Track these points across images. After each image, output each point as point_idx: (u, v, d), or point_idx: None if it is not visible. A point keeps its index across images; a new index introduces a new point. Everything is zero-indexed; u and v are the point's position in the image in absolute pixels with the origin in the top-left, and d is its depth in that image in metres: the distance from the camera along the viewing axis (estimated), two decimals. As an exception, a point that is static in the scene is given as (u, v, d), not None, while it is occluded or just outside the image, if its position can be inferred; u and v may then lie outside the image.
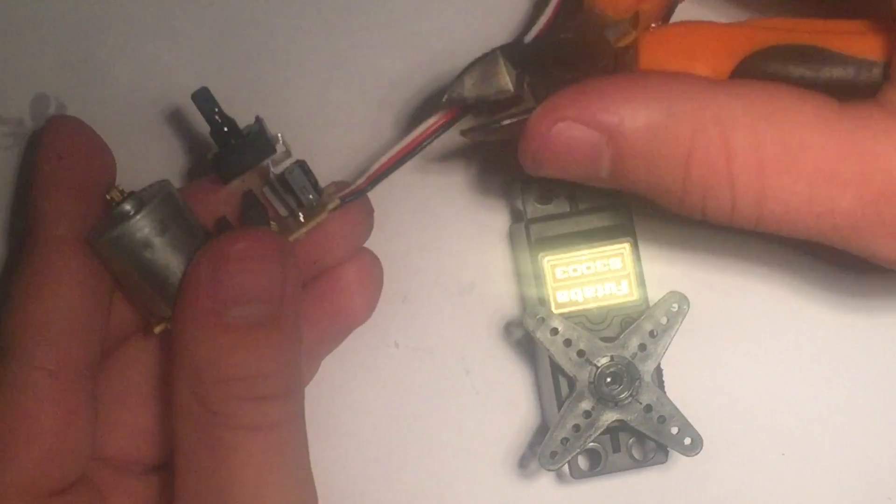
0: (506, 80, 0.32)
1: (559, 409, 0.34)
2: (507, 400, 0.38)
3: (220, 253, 0.31)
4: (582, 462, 0.36)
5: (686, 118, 0.29)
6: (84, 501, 0.32)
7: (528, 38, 0.32)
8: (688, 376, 0.36)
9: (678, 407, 0.34)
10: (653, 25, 0.32)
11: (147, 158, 0.38)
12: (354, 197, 0.34)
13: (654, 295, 0.35)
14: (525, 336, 0.37)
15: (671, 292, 0.34)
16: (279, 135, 0.33)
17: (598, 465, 0.35)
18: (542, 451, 0.34)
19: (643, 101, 0.30)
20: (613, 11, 0.32)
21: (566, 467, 0.35)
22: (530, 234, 0.35)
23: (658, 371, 0.34)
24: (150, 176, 0.37)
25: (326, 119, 0.38)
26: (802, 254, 0.38)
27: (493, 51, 0.32)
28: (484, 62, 0.32)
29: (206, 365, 0.31)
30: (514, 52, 0.32)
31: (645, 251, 0.35)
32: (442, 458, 0.38)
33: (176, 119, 0.38)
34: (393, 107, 0.38)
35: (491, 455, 0.38)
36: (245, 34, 0.38)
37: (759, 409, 0.38)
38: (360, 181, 0.34)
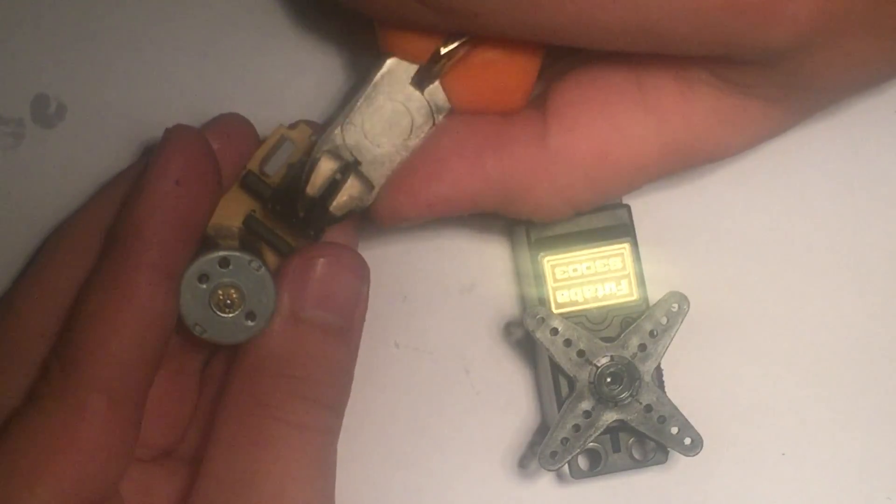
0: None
1: (559, 409, 0.34)
2: (507, 400, 0.38)
3: (311, 258, 0.33)
4: (582, 462, 0.36)
5: (521, 195, 0.32)
6: None
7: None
8: (688, 376, 0.36)
9: (678, 407, 0.34)
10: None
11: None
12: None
13: (654, 295, 0.35)
14: (525, 336, 0.37)
15: (671, 292, 0.34)
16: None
17: (598, 465, 0.35)
18: (542, 451, 0.34)
19: (478, 193, 0.32)
20: (411, 56, 0.32)
21: (566, 467, 0.35)
22: (530, 234, 0.35)
23: (658, 371, 0.34)
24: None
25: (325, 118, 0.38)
26: (802, 253, 0.38)
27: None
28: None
29: (272, 359, 0.32)
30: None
31: (645, 251, 0.35)
32: (442, 458, 0.38)
33: (176, 119, 0.38)
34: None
35: (491, 455, 0.38)
36: (245, 34, 0.38)
37: (759, 409, 0.38)
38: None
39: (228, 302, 0.32)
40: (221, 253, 0.32)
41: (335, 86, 0.38)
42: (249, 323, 0.32)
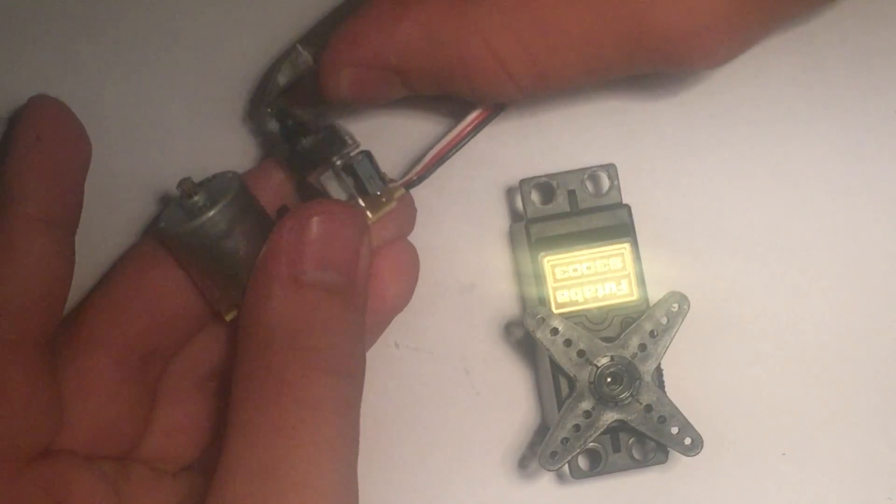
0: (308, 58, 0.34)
1: (559, 409, 0.34)
2: (507, 400, 0.38)
3: (306, 216, 0.32)
4: (582, 462, 0.36)
5: (449, 40, 0.31)
6: (64, 471, 0.32)
7: None
8: (688, 376, 0.36)
9: (678, 407, 0.34)
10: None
11: (147, 158, 0.38)
12: (415, 183, 0.34)
13: (654, 295, 0.35)
14: (525, 336, 0.37)
15: (671, 292, 0.34)
16: (349, 133, 0.34)
17: (598, 465, 0.35)
18: (542, 451, 0.34)
19: (406, 35, 0.31)
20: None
21: (566, 467, 0.35)
22: (530, 234, 0.35)
23: (658, 371, 0.34)
24: (150, 175, 0.37)
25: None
26: (802, 253, 0.38)
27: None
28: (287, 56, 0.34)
29: (280, 329, 0.31)
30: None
31: (645, 251, 0.35)
32: (442, 458, 0.38)
33: (176, 118, 0.38)
34: (391, 106, 0.38)
35: (491, 455, 0.38)
36: (246, 34, 0.38)
37: (759, 409, 0.38)
38: (417, 169, 0.34)
39: (187, 192, 0.32)
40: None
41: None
42: (196, 213, 0.32)
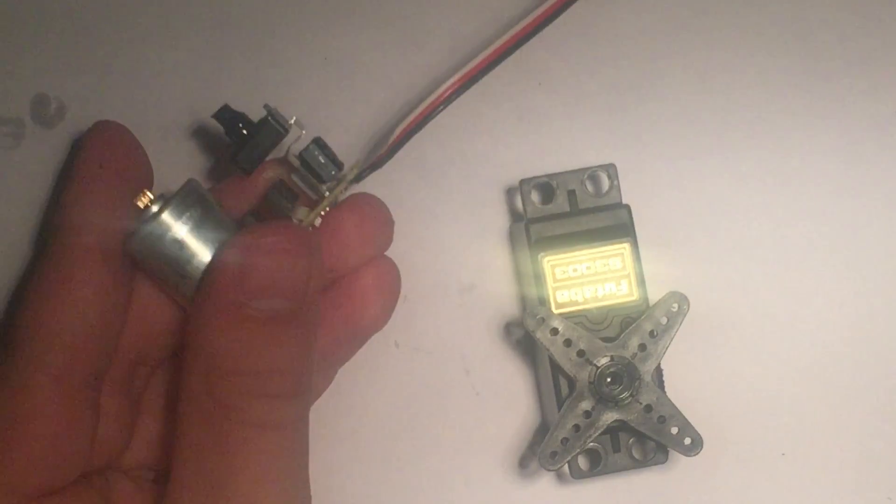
0: None
1: (559, 409, 0.34)
2: (507, 400, 0.38)
3: (250, 243, 0.31)
4: (582, 462, 0.36)
5: None
6: (81, 502, 0.32)
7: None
8: (688, 376, 0.36)
9: (678, 407, 0.34)
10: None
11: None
12: (373, 169, 0.34)
13: (654, 295, 0.35)
14: (525, 336, 0.37)
15: (671, 292, 0.34)
16: (293, 118, 0.33)
17: (598, 465, 0.35)
18: (542, 451, 0.34)
19: None
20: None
21: (566, 467, 0.35)
22: (530, 234, 0.35)
23: (658, 371, 0.34)
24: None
25: (326, 121, 0.38)
26: (802, 253, 0.38)
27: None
28: None
29: (222, 356, 0.31)
30: None
31: (645, 251, 0.35)
32: (442, 458, 0.38)
33: (176, 118, 0.38)
34: (393, 107, 0.38)
35: (491, 455, 0.38)
36: (245, 33, 0.38)
37: (759, 409, 0.38)
38: (380, 152, 0.34)
39: (143, 201, 0.32)
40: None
41: (334, 86, 0.38)
42: (147, 218, 0.31)
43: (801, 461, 0.38)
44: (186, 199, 0.32)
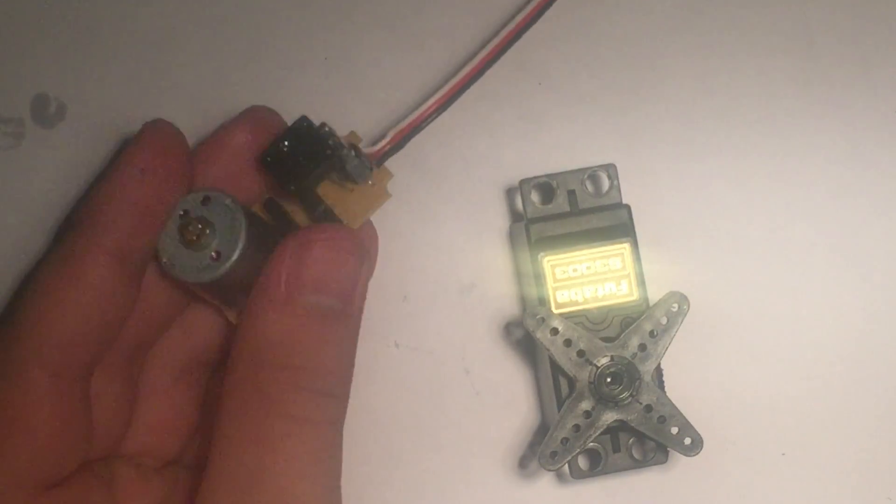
0: None
1: (559, 409, 0.34)
2: (507, 400, 0.38)
3: (306, 241, 0.32)
4: (582, 462, 0.36)
5: None
6: (85, 493, 0.32)
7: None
8: (688, 376, 0.36)
9: (678, 407, 0.34)
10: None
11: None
12: (388, 155, 0.34)
13: (654, 295, 0.35)
14: (525, 336, 0.37)
15: (671, 292, 0.34)
16: (326, 126, 0.33)
17: (598, 465, 0.35)
18: (542, 451, 0.34)
19: None
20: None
21: (566, 467, 0.35)
22: (530, 234, 0.35)
23: (658, 371, 0.34)
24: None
25: (326, 121, 0.38)
26: (802, 253, 0.38)
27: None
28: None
29: (272, 349, 0.31)
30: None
31: (645, 251, 0.35)
32: (442, 458, 0.38)
33: (176, 118, 0.38)
34: (393, 107, 0.38)
35: (491, 455, 0.38)
36: (245, 33, 0.38)
37: (759, 409, 0.38)
38: (386, 140, 0.34)
39: (196, 237, 0.32)
40: (204, 191, 0.32)
41: (334, 86, 0.38)
42: (214, 262, 0.32)
43: (801, 461, 0.38)
44: (250, 231, 0.32)
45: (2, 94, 0.37)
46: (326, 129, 0.32)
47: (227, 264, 0.32)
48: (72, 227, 0.32)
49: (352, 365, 0.33)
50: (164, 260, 0.32)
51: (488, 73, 0.34)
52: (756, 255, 0.38)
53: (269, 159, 0.32)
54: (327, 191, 0.34)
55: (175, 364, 0.35)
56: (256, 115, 0.34)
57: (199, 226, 0.32)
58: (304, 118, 0.32)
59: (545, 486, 0.38)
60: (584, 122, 0.38)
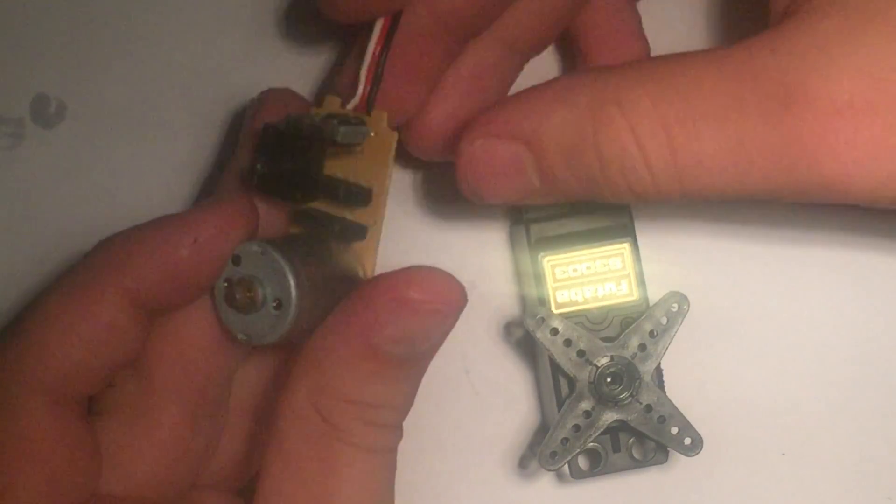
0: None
1: (559, 408, 0.34)
2: (507, 400, 0.38)
3: (403, 299, 0.30)
4: (582, 462, 0.36)
5: (586, 107, 0.30)
6: None
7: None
8: (688, 376, 0.36)
9: (678, 407, 0.34)
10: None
11: (147, 158, 0.38)
12: (372, 97, 0.32)
13: (655, 295, 0.35)
14: (525, 336, 0.37)
15: (671, 292, 0.34)
16: (290, 117, 0.31)
17: (598, 465, 0.35)
18: (541, 451, 0.34)
19: (547, 103, 0.30)
20: None
21: (566, 467, 0.35)
22: (530, 234, 0.35)
23: (658, 371, 0.34)
24: (150, 175, 0.37)
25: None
26: (801, 252, 0.38)
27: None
28: None
29: (339, 384, 0.30)
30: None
31: (645, 251, 0.35)
32: (442, 457, 0.38)
33: (176, 119, 0.38)
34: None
35: (491, 455, 0.38)
36: (245, 33, 0.38)
37: (759, 409, 0.38)
38: (360, 92, 0.32)
39: (249, 299, 0.31)
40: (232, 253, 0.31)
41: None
42: (277, 312, 0.30)
43: (801, 461, 0.38)
44: (292, 261, 0.30)
45: (2, 94, 0.37)
46: (292, 119, 0.31)
47: (292, 307, 0.30)
48: (99, 252, 0.31)
49: (413, 401, 0.32)
50: (242, 337, 0.31)
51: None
52: (756, 254, 0.38)
53: (259, 185, 0.31)
54: (335, 167, 0.32)
55: (243, 399, 0.35)
56: (275, 103, 0.33)
57: (245, 289, 0.31)
58: (266, 127, 0.31)
59: (545, 486, 0.38)
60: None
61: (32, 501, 0.30)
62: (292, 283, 0.30)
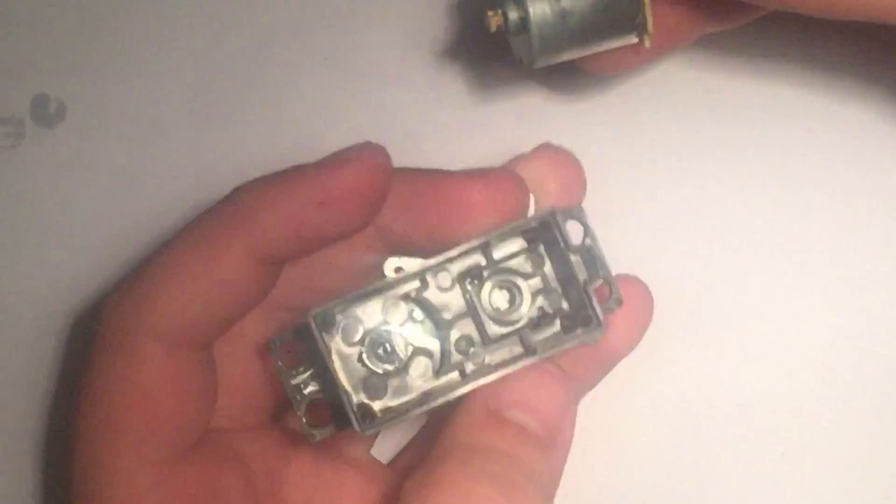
0: None
1: None
2: (507, 400, 0.38)
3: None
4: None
5: None
6: (214, 466, 0.32)
7: None
8: (687, 376, 0.36)
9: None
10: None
11: (147, 159, 0.38)
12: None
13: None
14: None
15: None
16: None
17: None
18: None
19: None
20: None
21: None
22: None
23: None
24: (150, 175, 0.38)
25: (326, 120, 0.38)
26: (802, 252, 0.38)
27: None
28: None
29: (466, 450, 0.30)
30: None
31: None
32: (441, 458, 0.38)
33: (176, 119, 0.38)
34: (393, 107, 0.38)
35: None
36: (245, 33, 0.38)
37: (759, 409, 0.38)
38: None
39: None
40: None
41: (334, 86, 0.38)
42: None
43: (801, 461, 0.38)
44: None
45: (2, 94, 0.37)
46: None
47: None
48: (227, 204, 0.31)
49: (542, 498, 0.31)
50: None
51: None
52: (757, 255, 0.38)
53: None
54: None
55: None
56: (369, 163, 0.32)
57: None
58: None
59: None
60: (584, 122, 0.38)
61: (143, 443, 0.30)
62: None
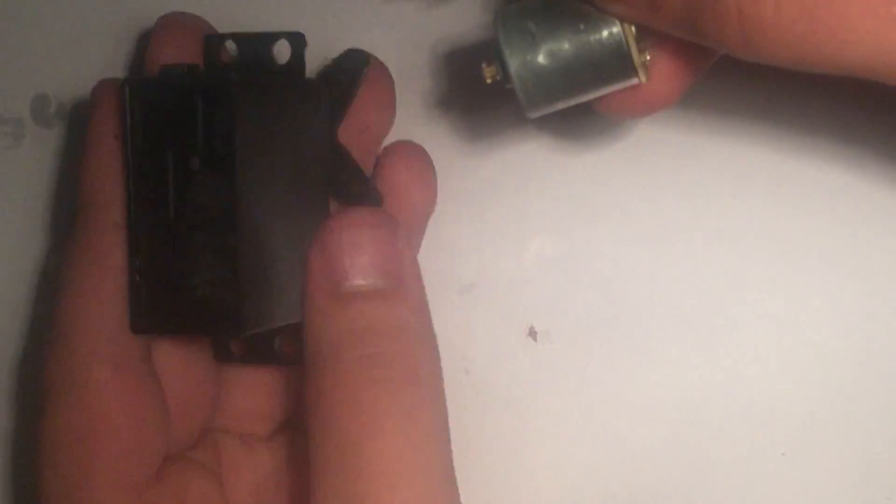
0: None
1: None
2: (508, 400, 0.38)
3: (330, 233, 0.31)
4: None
5: None
6: (184, 483, 0.32)
7: None
8: (688, 376, 0.36)
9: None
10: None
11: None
12: None
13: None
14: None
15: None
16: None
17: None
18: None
19: None
20: None
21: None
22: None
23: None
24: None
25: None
26: (802, 252, 0.38)
27: None
28: None
29: (325, 343, 0.30)
30: None
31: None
32: (442, 458, 0.38)
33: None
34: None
35: (490, 455, 0.38)
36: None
37: (759, 409, 0.38)
38: None
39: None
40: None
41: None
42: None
43: (801, 461, 0.38)
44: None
45: (2, 94, 0.37)
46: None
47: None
48: (79, 209, 0.31)
49: (431, 347, 0.31)
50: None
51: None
52: (756, 254, 0.38)
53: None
54: None
55: None
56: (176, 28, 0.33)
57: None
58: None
59: (545, 484, 0.38)
60: (584, 121, 0.38)
61: (116, 469, 0.30)
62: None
